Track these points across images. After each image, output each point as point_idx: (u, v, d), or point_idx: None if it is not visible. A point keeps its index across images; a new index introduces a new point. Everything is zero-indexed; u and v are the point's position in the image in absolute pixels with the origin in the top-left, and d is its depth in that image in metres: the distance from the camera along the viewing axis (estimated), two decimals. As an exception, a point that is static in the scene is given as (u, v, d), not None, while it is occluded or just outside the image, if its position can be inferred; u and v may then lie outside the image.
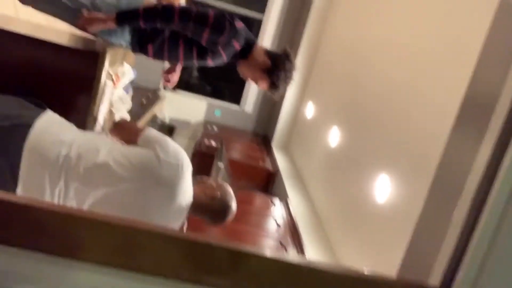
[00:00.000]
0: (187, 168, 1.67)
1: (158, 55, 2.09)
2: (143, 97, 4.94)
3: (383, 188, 2.87)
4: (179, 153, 1.69)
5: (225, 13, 2.00)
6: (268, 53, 2.11)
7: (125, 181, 1.59)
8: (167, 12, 1.92)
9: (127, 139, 1.79)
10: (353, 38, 4.40)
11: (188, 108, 6.14)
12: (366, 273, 0.98)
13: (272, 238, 3.34)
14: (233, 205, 1.78)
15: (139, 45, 2.08)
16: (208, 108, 6.19)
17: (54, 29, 1.84)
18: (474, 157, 1.06)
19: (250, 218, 3.57)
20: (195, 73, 6.45)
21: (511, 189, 0.94)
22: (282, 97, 5.46)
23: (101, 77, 1.93)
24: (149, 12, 1.91)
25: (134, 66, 2.45)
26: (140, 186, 1.60)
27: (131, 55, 2.39)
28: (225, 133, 5.64)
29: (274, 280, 0.87)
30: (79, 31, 1.93)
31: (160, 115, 5.70)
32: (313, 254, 3.24)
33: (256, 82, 2.16)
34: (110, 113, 2.24)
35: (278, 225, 3.55)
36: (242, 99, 6.28)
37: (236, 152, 5.17)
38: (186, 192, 1.67)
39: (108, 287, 0.79)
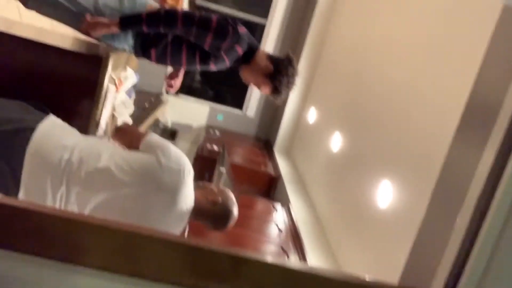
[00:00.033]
0: (189, 173, 1.67)
1: (161, 60, 2.10)
2: (146, 101, 4.95)
3: (385, 194, 2.86)
4: (181, 158, 1.68)
5: (228, 18, 2.00)
6: (271, 58, 2.12)
7: (126, 186, 1.59)
8: (170, 17, 1.92)
9: (129, 144, 1.79)
10: (356, 43, 4.40)
11: (191, 112, 6.15)
12: (367, 279, 0.97)
13: (274, 243, 3.33)
14: (235, 210, 1.77)
15: (142, 49, 2.09)
16: (211, 113, 6.20)
17: (58, 33, 1.84)
18: (477, 162, 1.05)
19: (251, 223, 3.56)
20: (198, 78, 6.46)
21: (514, 195, 0.94)
22: (284, 102, 5.46)
23: (104, 81, 1.93)
24: (152, 17, 1.92)
25: (136, 70, 2.45)
26: (142, 191, 1.60)
27: (134, 59, 2.40)
28: (227, 138, 5.64)
29: (276, 286, 0.86)
30: (82, 35, 1.93)
31: (162, 119, 5.71)
32: (315, 259, 3.23)
33: (259, 87, 2.16)
34: (113, 117, 2.24)
35: (279, 230, 3.53)
36: (245, 104, 6.28)
37: (238, 156, 5.16)
38: (188, 197, 1.67)
39: (109, 292, 0.79)
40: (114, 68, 2.02)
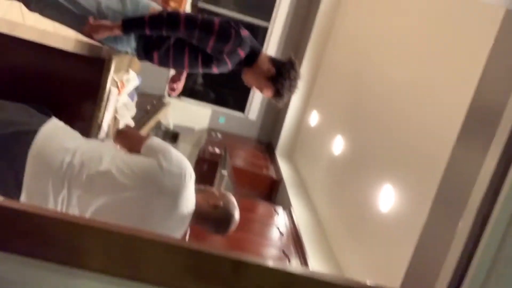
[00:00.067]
0: (190, 177, 1.66)
1: (163, 62, 2.10)
2: (148, 103, 4.96)
3: (387, 198, 2.85)
4: (182, 162, 1.68)
5: (230, 21, 2.00)
6: (273, 61, 2.11)
7: (127, 189, 1.59)
8: (173, 19, 1.92)
9: (130, 147, 1.79)
10: (358, 46, 4.40)
11: (193, 115, 6.15)
12: (369, 284, 0.97)
13: (275, 247, 3.33)
14: (236, 214, 1.76)
15: (145, 52, 2.09)
16: (212, 115, 6.20)
17: (60, 36, 1.85)
18: (480, 166, 1.05)
19: (253, 226, 3.56)
20: (200, 80, 6.47)
21: (517, 201, 0.93)
22: (286, 105, 5.46)
23: (106, 84, 1.93)
24: (155, 20, 1.92)
25: (139, 73, 2.45)
26: (142, 194, 1.60)
27: (137, 62, 2.40)
28: (229, 140, 5.64)
29: (277, 290, 0.86)
30: (85, 37, 1.94)
31: (164, 122, 5.71)
32: (316, 263, 3.22)
33: (261, 90, 2.16)
34: (115, 119, 2.25)
35: (281, 233, 3.53)
36: (247, 107, 6.28)
37: (240, 159, 5.16)
38: (189, 201, 1.67)
39: (109, 295, 0.79)
40: (117, 71, 2.02)
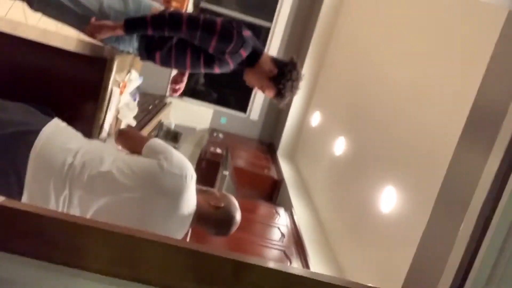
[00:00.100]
0: (191, 178, 1.66)
1: (166, 63, 2.09)
2: (150, 103, 4.96)
3: (388, 199, 2.85)
4: (183, 163, 1.68)
5: (232, 21, 2.00)
6: (275, 62, 2.11)
7: (128, 190, 1.58)
8: (175, 19, 1.92)
9: (131, 148, 1.79)
10: (361, 47, 4.40)
11: (194, 115, 6.16)
12: (369, 286, 0.96)
13: (276, 248, 3.32)
14: (237, 216, 1.76)
15: (147, 52, 2.09)
16: (214, 115, 6.20)
17: (62, 35, 1.85)
18: (482, 168, 1.05)
19: (254, 227, 3.55)
20: (202, 80, 6.47)
21: (519, 203, 0.93)
22: (288, 106, 5.46)
23: (108, 84, 1.93)
24: (157, 20, 1.92)
25: (140, 73, 2.45)
26: (143, 195, 1.60)
27: (139, 61, 2.40)
28: (231, 141, 5.64)
29: (278, 292, 0.86)
30: (87, 37, 1.94)
31: (166, 122, 5.71)
32: (317, 264, 3.22)
33: (263, 90, 2.16)
34: (117, 119, 2.24)
35: (282, 235, 3.53)
36: (248, 107, 6.28)
37: (242, 160, 5.16)
38: (190, 202, 1.66)
39: (110, 296, 0.78)
40: (119, 71, 2.02)
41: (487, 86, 1.23)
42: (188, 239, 2.50)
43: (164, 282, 0.80)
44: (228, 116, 6.26)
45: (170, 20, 1.92)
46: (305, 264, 3.14)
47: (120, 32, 1.93)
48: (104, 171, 1.59)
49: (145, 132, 4.14)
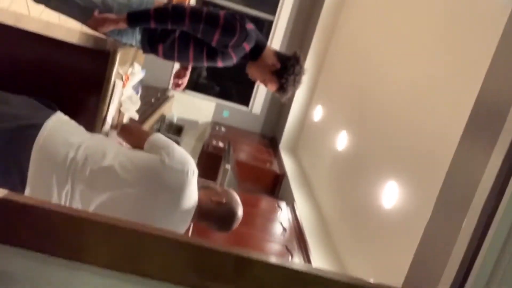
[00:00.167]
0: (193, 174, 1.66)
1: (168, 55, 2.09)
2: (152, 96, 4.96)
3: (391, 194, 2.85)
4: (185, 158, 1.67)
5: (235, 14, 1.99)
6: (278, 56, 2.11)
7: (129, 185, 1.58)
8: (178, 12, 1.91)
9: (133, 143, 1.79)
10: (364, 41, 4.38)
11: (197, 108, 6.15)
12: (371, 282, 0.96)
13: (278, 242, 3.33)
14: (239, 211, 1.76)
15: (150, 45, 2.08)
16: (217, 109, 6.20)
17: (65, 28, 1.84)
18: (484, 164, 1.04)
19: (256, 221, 3.56)
20: (204, 74, 6.46)
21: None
22: (290, 100, 5.45)
23: (111, 77, 1.93)
24: (160, 13, 1.91)
25: (143, 66, 2.45)
26: (145, 190, 1.60)
27: (141, 54, 2.39)
28: (233, 134, 5.64)
29: (279, 287, 0.86)
30: (90, 29, 1.93)
31: (168, 115, 5.71)
32: (319, 259, 3.22)
33: (265, 84, 2.15)
34: (119, 112, 2.24)
35: (284, 229, 3.53)
36: (251, 101, 6.28)
37: (244, 153, 5.16)
38: (191, 197, 1.66)
39: (112, 290, 0.79)
40: (122, 64, 2.02)
41: (491, 82, 1.22)
42: (189, 234, 2.51)
43: (166, 277, 0.80)
44: (230, 109, 6.25)
45: (173, 13, 1.92)
46: (307, 258, 3.15)
47: (123, 25, 1.92)
48: (106, 165, 1.58)
49: (147, 125, 4.14)
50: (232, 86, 6.57)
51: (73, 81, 1.94)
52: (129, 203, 1.59)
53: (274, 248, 3.26)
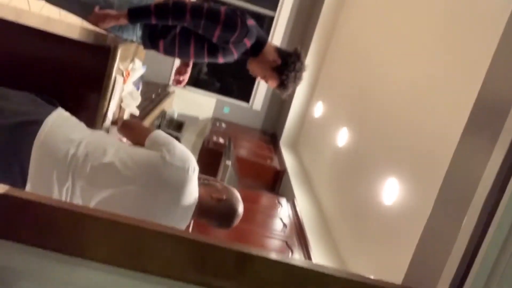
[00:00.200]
0: (194, 171, 1.66)
1: (169, 51, 2.09)
2: (153, 92, 4.95)
3: (391, 191, 2.85)
4: (186, 156, 1.67)
5: (236, 10, 1.98)
6: (279, 52, 2.10)
7: (130, 182, 1.58)
8: (179, 8, 1.91)
9: (134, 139, 1.79)
10: (365, 37, 4.37)
11: (197, 104, 6.15)
12: (370, 278, 0.97)
13: (278, 238, 3.34)
14: (240, 208, 1.76)
15: (150, 40, 2.08)
16: (217, 105, 6.19)
17: (66, 23, 1.84)
18: (485, 161, 1.04)
19: (256, 217, 3.57)
20: (205, 69, 6.45)
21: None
22: (291, 96, 5.45)
23: (112, 73, 1.93)
24: (161, 9, 1.91)
25: (144, 61, 2.45)
26: (145, 187, 1.60)
27: (142, 50, 2.39)
28: (233, 131, 5.64)
29: (280, 283, 0.86)
30: (90, 25, 1.93)
31: (169, 111, 5.71)
32: (319, 255, 3.23)
33: (266, 81, 2.15)
34: (120, 108, 2.24)
35: (284, 225, 3.54)
36: (251, 97, 6.27)
37: (244, 149, 5.16)
38: (192, 194, 1.66)
39: (114, 286, 0.79)
40: (122, 60, 2.02)
41: (491, 78, 1.22)
42: (190, 231, 2.51)
43: (166, 273, 0.81)
44: (231, 105, 6.25)
45: (174, 9, 1.91)
46: (307, 254, 3.15)
47: (123, 21, 1.92)
48: (106, 162, 1.58)
49: (148, 121, 4.14)
50: (232, 82, 6.57)
51: (73, 77, 1.93)
52: (129, 200, 1.59)
53: (274, 244, 3.26)
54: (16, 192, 0.78)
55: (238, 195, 1.79)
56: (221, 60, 2.09)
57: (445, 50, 2.71)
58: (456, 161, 1.25)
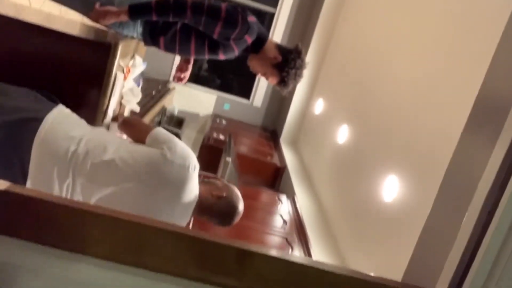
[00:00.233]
0: (194, 169, 1.66)
1: (170, 48, 2.08)
2: (153, 88, 4.95)
3: (391, 188, 2.85)
4: (187, 153, 1.67)
5: (237, 7, 1.98)
6: (280, 48, 2.10)
7: (130, 180, 1.58)
8: (179, 5, 1.91)
9: (135, 137, 1.79)
10: (366, 35, 4.36)
11: (198, 101, 6.15)
12: (370, 275, 0.97)
13: (278, 235, 3.34)
14: (240, 206, 1.76)
15: (151, 37, 2.07)
16: (217, 102, 6.19)
17: (66, 19, 1.83)
18: (486, 159, 1.04)
19: (256, 214, 3.57)
20: (205, 66, 6.45)
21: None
22: (291, 93, 5.44)
23: (112, 69, 1.92)
24: (162, 5, 1.91)
25: (144, 58, 2.44)
26: (146, 185, 1.60)
27: (143, 47, 2.39)
28: (234, 127, 5.64)
29: (280, 280, 0.86)
30: (91, 22, 1.92)
31: (169, 107, 5.71)
32: (319, 252, 3.24)
33: (266, 77, 2.15)
34: (120, 105, 2.24)
35: (284, 222, 3.54)
36: (252, 93, 6.27)
37: (244, 146, 5.16)
38: (192, 192, 1.66)
39: (114, 282, 0.79)
40: (123, 56, 2.01)
41: (492, 76, 1.21)
42: (190, 228, 2.51)
43: (167, 269, 0.81)
44: (231, 102, 6.24)
45: (174, 5, 1.91)
46: (307, 251, 3.16)
47: (124, 18, 1.91)
48: (107, 159, 1.58)
49: (148, 117, 4.14)
50: (233, 79, 6.56)
51: (74, 73, 1.93)
52: (130, 197, 1.59)
53: (274, 240, 3.27)
54: (17, 189, 0.78)
55: (238, 192, 1.79)
56: (221, 56, 2.08)
57: (446, 47, 2.70)
58: (456, 159, 1.25)
